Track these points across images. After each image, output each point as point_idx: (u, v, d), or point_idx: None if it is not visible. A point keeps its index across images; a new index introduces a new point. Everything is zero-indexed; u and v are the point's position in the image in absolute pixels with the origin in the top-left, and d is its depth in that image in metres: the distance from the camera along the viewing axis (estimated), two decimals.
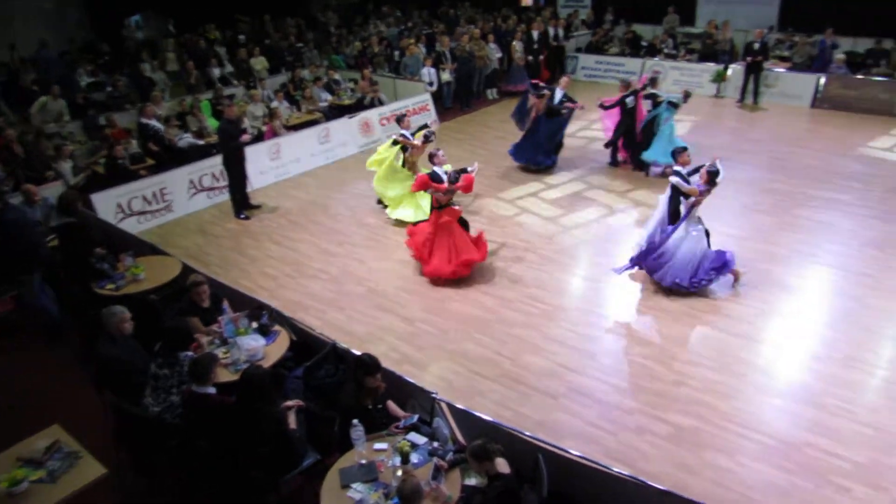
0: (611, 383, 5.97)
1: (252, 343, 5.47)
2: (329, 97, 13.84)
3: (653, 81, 10.98)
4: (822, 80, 14.21)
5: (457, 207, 7.78)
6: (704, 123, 13.32)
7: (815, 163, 10.93)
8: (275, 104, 12.66)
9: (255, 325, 5.80)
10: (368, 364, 4.65)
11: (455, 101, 15.07)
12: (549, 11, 18.99)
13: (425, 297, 7.52)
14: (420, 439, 4.52)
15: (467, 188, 7.80)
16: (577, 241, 8.66)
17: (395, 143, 9.44)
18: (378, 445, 4.50)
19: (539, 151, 10.96)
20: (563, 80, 11.42)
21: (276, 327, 5.84)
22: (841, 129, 12.66)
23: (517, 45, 15.57)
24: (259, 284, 7.93)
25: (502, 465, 3.91)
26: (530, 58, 15.83)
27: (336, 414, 4.76)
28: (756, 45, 14.17)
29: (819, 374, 6.01)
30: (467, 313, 7.17)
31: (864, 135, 12.26)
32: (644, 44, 17.35)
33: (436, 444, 4.50)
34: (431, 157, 8.20)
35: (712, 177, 6.88)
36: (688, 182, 7.04)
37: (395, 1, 20.39)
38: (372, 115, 13.07)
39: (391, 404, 4.89)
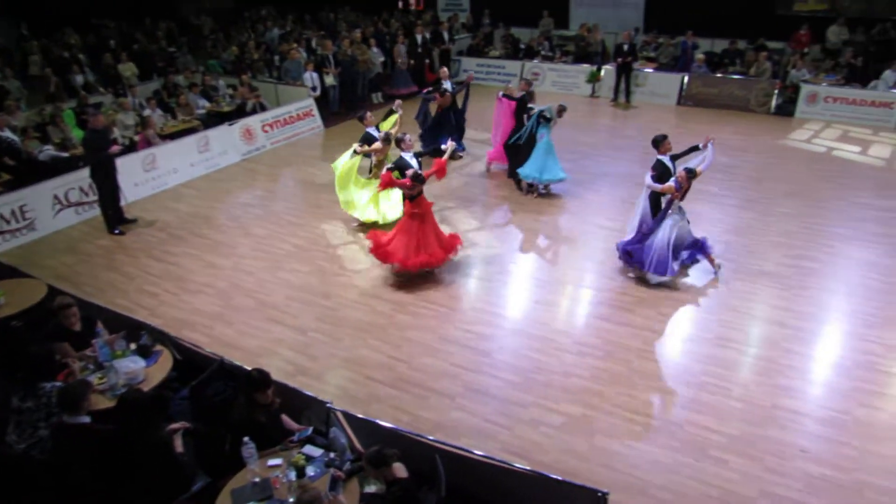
0: (505, 379, 6.11)
1: (130, 366, 5.16)
2: (207, 104, 13.28)
3: (530, 95, 10.60)
4: (686, 79, 15.28)
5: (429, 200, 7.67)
6: (582, 122, 13.93)
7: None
8: (147, 112, 11.97)
9: (133, 346, 5.47)
10: (258, 379, 4.50)
11: (341, 105, 14.89)
12: (430, 15, 19.22)
13: (317, 306, 7.37)
14: (316, 451, 4.42)
15: (440, 173, 7.69)
16: (466, 243, 8.78)
17: (354, 153, 9.12)
18: (272, 462, 4.36)
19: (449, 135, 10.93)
20: (443, 70, 11.66)
21: (158, 347, 5.54)
22: (704, 125, 13.61)
23: (400, 49, 15.61)
24: (138, 303, 7.47)
25: (400, 470, 3.90)
26: (412, 61, 15.93)
27: (226, 433, 4.56)
28: (625, 47, 15.02)
29: (695, 355, 6.43)
30: (361, 319, 7.10)
31: (725, 129, 13.27)
32: (522, 46, 17.91)
33: (332, 454, 4.42)
34: (399, 143, 8.18)
35: (690, 175, 7.23)
36: (671, 175, 7.47)
37: (273, 4, 19.87)
38: (254, 121, 12.66)
39: (285, 418, 4.76)
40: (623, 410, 5.68)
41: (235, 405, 4.58)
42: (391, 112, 9.95)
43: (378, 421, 4.79)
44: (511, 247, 8.63)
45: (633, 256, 7.59)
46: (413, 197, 7.49)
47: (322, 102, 14.14)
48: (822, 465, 5.09)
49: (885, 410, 5.64)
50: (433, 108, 11.62)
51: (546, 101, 11.05)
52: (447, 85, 11.37)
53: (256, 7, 19.83)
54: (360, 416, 4.82)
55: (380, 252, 7.64)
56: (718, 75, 15.28)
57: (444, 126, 11.52)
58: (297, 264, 8.28)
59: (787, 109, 14.44)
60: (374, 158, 9.24)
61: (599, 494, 3.82)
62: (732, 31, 16.34)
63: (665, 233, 7.34)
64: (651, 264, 7.41)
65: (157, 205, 10.27)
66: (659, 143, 7.89)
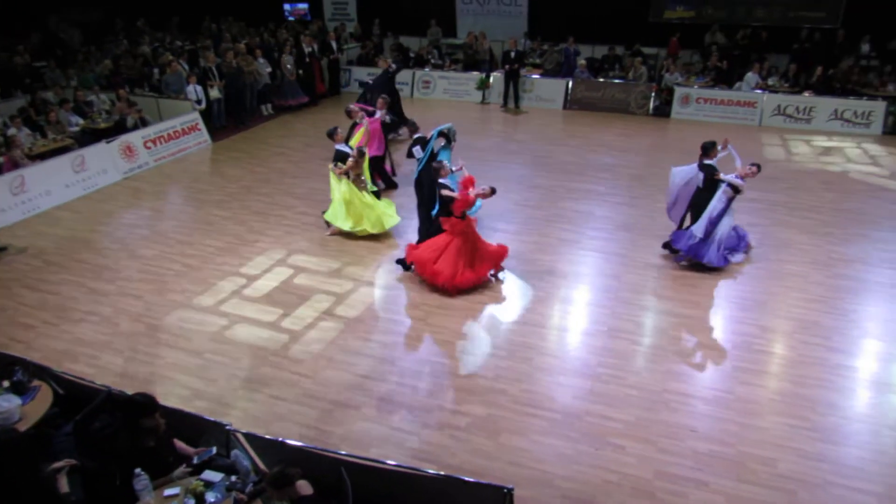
0: (411, 385, 6.11)
1: (3, 405, 4.75)
2: (81, 121, 12.46)
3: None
4: (570, 84, 15.95)
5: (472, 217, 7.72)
6: (474, 128, 14.21)
7: (571, 158, 12.19)
8: (12, 131, 11.07)
9: (6, 384, 5.05)
10: (143, 404, 4.26)
11: (228, 118, 14.42)
12: (317, 25, 18.99)
13: (213, 327, 7.08)
14: (216, 476, 4.25)
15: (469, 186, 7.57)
16: (364, 252, 8.74)
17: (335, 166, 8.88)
18: (168, 491, 4.15)
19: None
20: (379, 101, 11.02)
21: (36, 383, 5.14)
22: (589, 127, 14.30)
23: (287, 60, 15.33)
24: (12, 338, 6.90)
25: (304, 488, 3.81)
26: (301, 72, 15.67)
27: (116, 467, 4.29)
28: (512, 54, 15.49)
29: (591, 347, 6.70)
30: (260, 337, 6.89)
31: (609, 130, 13.97)
32: (412, 55, 18.05)
33: (234, 477, 4.25)
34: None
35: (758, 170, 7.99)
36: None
37: (149, 15, 18.94)
38: (135, 137, 12.01)
39: (180, 443, 4.54)
40: (526, 407, 5.82)
41: (121, 435, 4.32)
42: (354, 124, 9.82)
43: (282, 439, 4.66)
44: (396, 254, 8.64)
45: (694, 253, 8.00)
46: (462, 215, 7.53)
47: (206, 116, 13.62)
48: (710, 441, 5.43)
49: (763, 386, 6.10)
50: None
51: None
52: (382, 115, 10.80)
53: (132, 18, 18.84)
54: (261, 435, 4.67)
55: (426, 271, 7.55)
56: (601, 80, 16.07)
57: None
58: (190, 284, 7.93)
59: (663, 111, 15.39)
60: (351, 174, 8.89)
61: (505, 491, 3.90)
62: (611, 38, 17.23)
63: (726, 226, 7.92)
64: (715, 256, 7.91)
65: (29, 230, 9.52)
66: (709, 149, 8.13)
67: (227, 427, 4.63)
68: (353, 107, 10.18)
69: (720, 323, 7.16)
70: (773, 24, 16.80)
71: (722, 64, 15.89)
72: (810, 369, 6.32)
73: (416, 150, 8.71)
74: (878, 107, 14.01)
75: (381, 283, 7.99)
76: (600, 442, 5.44)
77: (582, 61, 16.37)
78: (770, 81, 15.29)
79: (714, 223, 7.92)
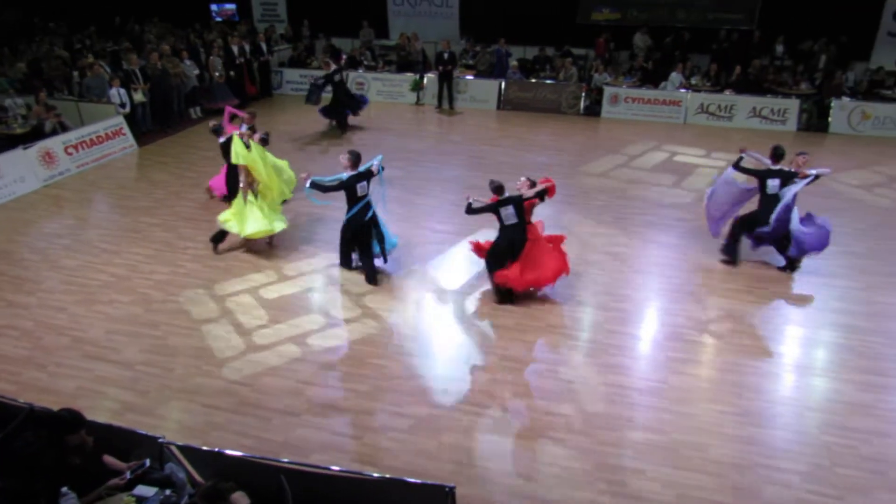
0: (351, 389, 6.05)
1: None
2: None
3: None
4: (503, 85, 16.15)
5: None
6: (409, 130, 14.22)
7: (506, 158, 12.33)
8: None
9: None
10: (68, 420, 4.07)
11: (155, 122, 13.92)
12: (246, 26, 18.57)
13: (144, 337, 6.82)
14: (149, 491, 4.10)
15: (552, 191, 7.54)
16: (301, 256, 8.60)
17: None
18: None
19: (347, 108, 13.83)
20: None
21: None
22: (523, 127, 14.50)
23: (215, 61, 14.93)
24: None
25: (240, 500, 3.72)
26: (232, 73, 15.30)
27: (40, 487, 4.07)
28: (445, 55, 15.56)
29: (530, 344, 6.80)
30: (194, 346, 6.68)
31: (542, 130, 14.21)
32: (344, 56, 17.87)
33: (168, 491, 4.11)
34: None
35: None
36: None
37: (67, 16, 18.10)
38: (55, 143, 11.45)
39: (110, 458, 4.36)
40: (467, 405, 5.86)
41: (45, 454, 4.10)
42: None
43: (219, 450, 4.53)
44: (328, 260, 8.56)
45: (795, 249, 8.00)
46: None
47: (133, 120, 13.12)
48: (646, 430, 5.61)
49: (694, 375, 6.34)
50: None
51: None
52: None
53: (51, 19, 17.96)
54: (197, 447, 4.53)
55: (499, 276, 7.32)
56: (533, 80, 16.33)
57: (340, 102, 13.78)
58: (117, 294, 7.62)
59: (594, 110, 15.77)
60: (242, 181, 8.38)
61: (447, 490, 3.91)
62: (541, 39, 17.54)
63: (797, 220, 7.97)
64: (811, 245, 7.97)
65: None
66: (782, 155, 8.13)
67: (160, 440, 4.47)
68: (218, 123, 9.52)
69: (653, 315, 7.40)
70: (694, 25, 17.47)
71: (647, 64, 16.42)
72: (737, 356, 6.60)
73: (362, 185, 7.81)
74: (793, 104, 14.77)
75: (320, 287, 7.88)
76: (541, 437, 5.53)
77: (514, 62, 16.61)
78: (693, 81, 15.89)
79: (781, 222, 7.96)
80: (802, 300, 7.66)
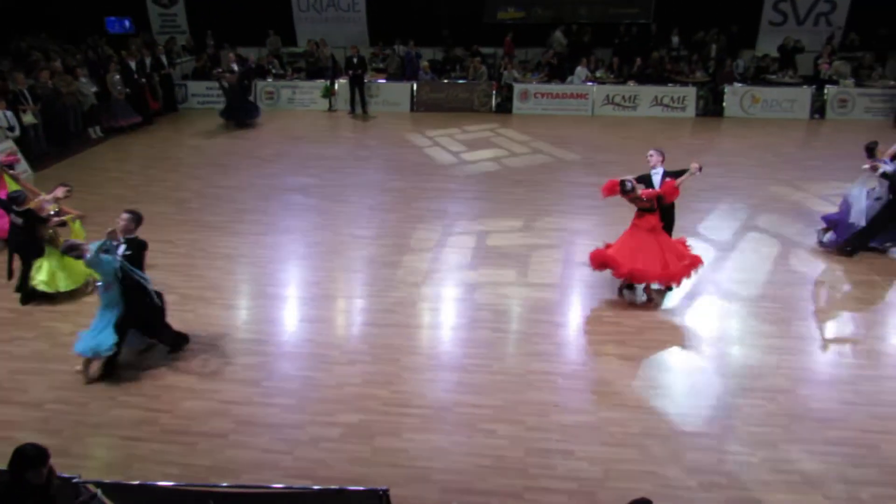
0: (278, 404, 5.94)
1: None
2: None
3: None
4: (415, 87, 16.24)
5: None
6: (323, 137, 14.10)
7: (421, 159, 12.42)
8: None
9: None
10: (33, 456, 3.80)
11: (50, 144, 13.18)
12: (142, 38, 17.84)
13: (52, 374, 6.45)
14: None
15: (671, 194, 7.16)
16: (216, 273, 8.37)
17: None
18: None
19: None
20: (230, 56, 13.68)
21: None
22: (437, 128, 14.61)
23: (113, 78, 14.30)
24: None
25: None
26: (129, 90, 14.65)
27: None
28: (355, 60, 15.51)
29: (456, 341, 6.88)
30: (108, 377, 6.37)
31: (454, 130, 14.37)
32: (252, 65, 17.50)
33: None
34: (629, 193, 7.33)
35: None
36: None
37: None
38: None
39: None
40: (398, 407, 5.86)
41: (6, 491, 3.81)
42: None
43: (142, 482, 4.36)
44: (266, 269, 8.41)
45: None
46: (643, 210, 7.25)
47: (25, 143, 12.37)
48: (573, 413, 5.77)
49: (614, 354, 6.58)
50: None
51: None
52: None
53: None
54: (120, 482, 4.34)
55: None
56: (445, 81, 16.49)
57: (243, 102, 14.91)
58: (20, 331, 7.18)
59: (505, 107, 16.09)
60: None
61: (380, 492, 3.91)
62: (448, 40, 17.72)
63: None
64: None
65: None
66: (874, 149, 8.24)
67: (75, 480, 4.25)
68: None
69: (574, 301, 7.62)
70: (596, 21, 18.10)
71: (553, 60, 16.89)
72: (654, 333, 6.91)
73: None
74: (690, 92, 15.56)
75: (242, 304, 7.69)
76: (472, 430, 5.60)
77: (425, 63, 16.72)
78: (598, 74, 16.47)
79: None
80: (706, 275, 8.06)
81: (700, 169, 7.33)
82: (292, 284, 8.16)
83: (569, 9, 18.39)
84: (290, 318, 7.38)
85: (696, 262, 7.33)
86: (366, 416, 5.75)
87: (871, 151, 8.36)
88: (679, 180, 7.24)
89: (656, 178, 7.44)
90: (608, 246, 7.48)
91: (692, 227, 9.27)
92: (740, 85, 15.63)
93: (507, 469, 5.18)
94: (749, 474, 5.12)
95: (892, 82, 15.42)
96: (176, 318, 7.09)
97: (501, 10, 18.64)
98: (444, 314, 7.39)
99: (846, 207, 8.47)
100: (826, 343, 6.90)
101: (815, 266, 8.34)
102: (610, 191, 7.32)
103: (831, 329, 7.16)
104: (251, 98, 15.75)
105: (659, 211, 7.27)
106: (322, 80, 16.31)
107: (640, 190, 7.19)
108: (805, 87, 15.48)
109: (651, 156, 7.63)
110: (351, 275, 8.24)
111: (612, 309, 7.36)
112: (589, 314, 7.31)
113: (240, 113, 14.90)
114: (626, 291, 7.58)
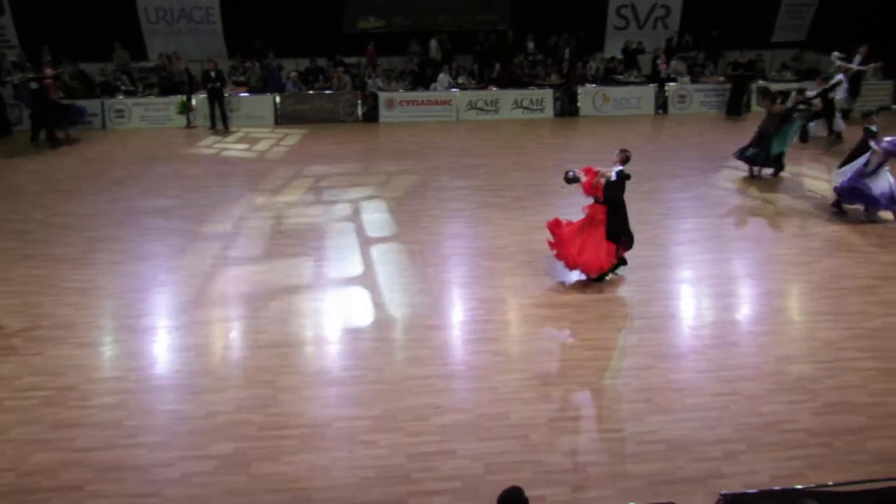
0: (143, 444, 5.53)
1: None
2: None
3: None
4: (278, 99, 15.85)
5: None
6: (180, 155, 13.39)
7: (288, 172, 12.10)
8: None
9: None
10: None
11: None
12: None
13: None
14: None
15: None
16: (66, 309, 7.71)
17: None
18: None
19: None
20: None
21: None
22: (304, 140, 14.31)
23: None
24: None
25: None
26: None
27: None
28: (212, 73, 14.90)
29: (330, 355, 6.77)
30: None
31: (322, 140, 14.18)
32: (98, 82, 16.34)
33: None
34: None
35: None
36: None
37: None
38: None
39: None
40: (274, 430, 5.64)
41: None
42: None
43: None
44: (125, 300, 7.83)
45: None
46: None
47: None
48: (452, 413, 5.83)
49: (488, 351, 6.73)
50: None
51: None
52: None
53: None
54: None
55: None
56: (311, 92, 16.21)
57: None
58: None
59: (372, 116, 16.08)
60: None
61: None
62: (311, 51, 17.44)
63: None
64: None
65: None
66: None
67: None
68: None
69: (447, 303, 7.73)
70: (456, 28, 18.52)
71: (416, 68, 17.11)
72: (523, 327, 7.16)
73: None
74: (548, 94, 16.32)
75: (94, 341, 7.08)
76: (352, 443, 5.51)
77: (293, 73, 16.36)
78: (460, 80, 16.86)
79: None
80: (556, 268, 8.44)
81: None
82: (155, 313, 7.63)
83: (429, 17, 18.69)
84: (154, 349, 6.92)
85: (604, 265, 7.80)
86: (241, 444, 5.49)
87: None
88: (595, 181, 7.76)
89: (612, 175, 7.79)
90: (569, 223, 7.95)
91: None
92: (592, 85, 16.58)
93: (389, 478, 5.14)
94: (620, 449, 5.41)
95: (722, 78, 16.95)
96: (21, 364, 6.47)
97: (362, 19, 18.62)
98: (320, 329, 7.23)
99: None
100: (680, 318, 7.45)
101: (664, 249, 8.97)
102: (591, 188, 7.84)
103: (684, 305, 7.74)
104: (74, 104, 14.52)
105: (606, 206, 7.75)
106: (178, 96, 15.51)
107: (584, 179, 7.82)
108: (649, 85, 16.67)
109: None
110: (220, 298, 7.86)
111: (485, 308, 7.53)
112: (463, 315, 7.44)
113: (54, 118, 13.73)
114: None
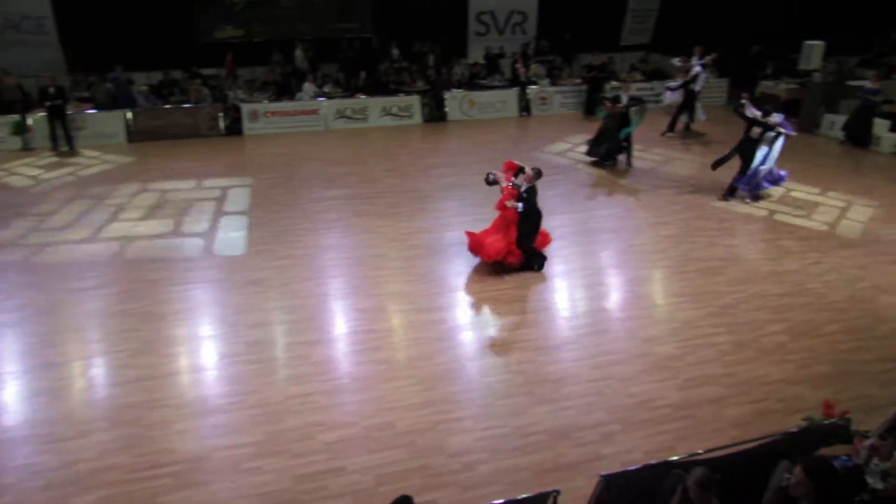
0: None
1: None
2: None
3: None
4: (130, 115, 14.82)
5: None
6: (19, 183, 12.16)
7: (148, 194, 11.34)
8: None
9: None
10: None
11: None
12: None
13: None
14: None
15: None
16: None
17: None
18: None
19: None
20: None
21: None
22: (161, 157, 13.46)
23: None
24: None
25: None
26: None
27: None
28: (51, 90, 13.68)
29: (206, 382, 6.39)
30: None
31: (181, 158, 13.41)
32: None
33: None
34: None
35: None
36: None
37: None
38: None
39: None
40: (146, 471, 5.24)
41: None
42: None
43: None
44: None
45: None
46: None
47: None
48: (338, 428, 5.71)
49: (371, 360, 6.65)
50: None
51: None
52: None
53: None
54: None
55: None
56: (167, 107, 15.30)
57: None
58: None
59: (236, 129, 15.44)
60: None
61: None
62: (164, 63, 16.50)
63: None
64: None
65: None
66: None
67: None
68: None
69: (325, 316, 7.56)
70: (318, 36, 18.23)
71: (280, 78, 16.67)
72: (406, 332, 7.15)
73: None
74: (415, 100, 16.45)
75: None
76: (235, 472, 5.24)
77: (143, 87, 15.36)
78: (326, 89, 16.62)
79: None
80: (451, 268, 8.57)
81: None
82: (13, 359, 6.86)
83: (289, 25, 18.27)
84: (10, 396, 6.20)
85: (508, 257, 8.32)
86: (107, 492, 5.05)
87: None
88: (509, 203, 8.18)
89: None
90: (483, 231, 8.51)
91: (430, 224, 9.80)
92: (458, 91, 16.91)
93: (277, 502, 4.94)
94: (505, 444, 5.53)
95: (578, 80, 17.89)
96: None
97: (219, 28, 17.87)
98: (190, 357, 6.82)
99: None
100: (554, 311, 7.75)
101: None
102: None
103: (557, 298, 8.05)
104: None
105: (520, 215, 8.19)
106: (12, 116, 14.07)
107: (503, 184, 8.32)
108: (512, 89, 17.27)
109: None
110: (73, 334, 7.20)
111: (366, 317, 7.44)
112: (344, 327, 7.31)
113: None
114: None
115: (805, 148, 13.56)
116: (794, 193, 11.27)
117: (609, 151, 12.81)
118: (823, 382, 6.32)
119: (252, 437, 5.61)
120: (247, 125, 15.44)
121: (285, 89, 16.53)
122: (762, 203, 10.84)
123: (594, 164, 12.91)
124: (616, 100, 13.10)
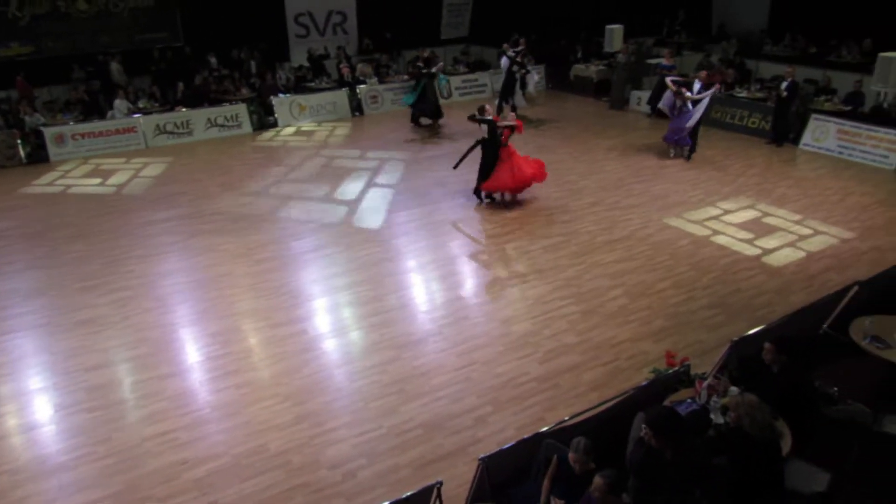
0: None
1: None
2: None
3: None
4: None
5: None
6: None
7: None
8: None
9: None
10: None
11: None
12: None
13: None
14: None
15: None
16: None
17: None
18: None
19: None
20: None
21: None
22: None
23: None
24: None
25: None
26: None
27: None
28: None
29: (40, 440, 5.71)
30: None
31: None
32: None
33: None
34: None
35: None
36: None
37: None
38: None
39: None
40: None
41: None
42: None
43: None
44: None
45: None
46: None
47: None
48: (204, 462, 5.38)
49: (232, 385, 6.32)
50: None
51: None
52: None
53: None
54: None
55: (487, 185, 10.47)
56: None
57: None
58: None
59: (40, 156, 13.86)
60: None
61: None
62: None
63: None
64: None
65: None
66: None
67: None
68: None
69: (174, 346, 7.04)
70: (123, 48, 16.86)
71: (86, 96, 15.23)
72: (265, 350, 6.87)
73: None
74: (242, 109, 15.74)
75: None
76: None
77: None
78: (141, 104, 15.42)
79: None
80: (305, 276, 8.36)
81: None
82: None
83: (87, 38, 16.72)
84: None
85: (538, 172, 10.50)
86: None
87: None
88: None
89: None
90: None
91: (276, 235, 9.48)
92: (284, 96, 16.46)
93: None
94: (382, 445, 5.52)
95: (405, 76, 18.10)
96: None
97: (3, 46, 15.94)
98: (19, 415, 6.05)
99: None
100: (413, 306, 7.82)
101: (385, 244, 9.32)
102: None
103: (414, 293, 8.14)
104: None
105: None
106: None
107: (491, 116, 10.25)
108: (341, 90, 17.09)
109: None
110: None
111: (219, 341, 7.04)
112: (195, 355, 6.85)
113: None
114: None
115: (616, 124, 14.82)
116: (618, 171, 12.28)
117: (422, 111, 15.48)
118: (663, 335, 6.97)
119: (108, 489, 5.12)
120: (53, 150, 13.91)
121: (93, 108, 15.14)
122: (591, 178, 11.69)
123: (437, 159, 13.11)
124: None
